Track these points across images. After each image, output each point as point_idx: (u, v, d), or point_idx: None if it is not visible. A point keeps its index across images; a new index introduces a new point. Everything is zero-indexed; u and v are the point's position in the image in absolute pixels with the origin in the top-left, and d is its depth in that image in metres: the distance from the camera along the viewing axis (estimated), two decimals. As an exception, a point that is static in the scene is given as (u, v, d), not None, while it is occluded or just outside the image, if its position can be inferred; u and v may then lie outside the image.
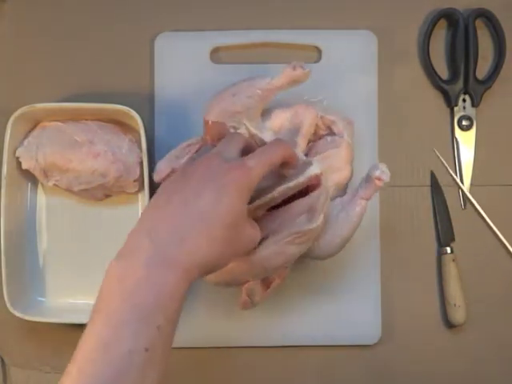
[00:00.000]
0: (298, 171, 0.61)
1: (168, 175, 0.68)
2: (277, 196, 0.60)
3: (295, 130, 0.67)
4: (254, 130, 0.65)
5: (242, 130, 0.66)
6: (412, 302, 0.75)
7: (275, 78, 0.65)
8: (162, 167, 0.68)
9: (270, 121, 0.68)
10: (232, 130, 0.66)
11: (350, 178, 0.69)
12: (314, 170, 0.61)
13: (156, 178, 0.69)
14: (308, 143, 0.69)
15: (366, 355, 0.74)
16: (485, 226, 0.75)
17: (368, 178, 0.64)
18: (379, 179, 0.63)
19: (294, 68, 0.65)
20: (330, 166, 0.67)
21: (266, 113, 0.68)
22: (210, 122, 0.67)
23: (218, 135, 0.66)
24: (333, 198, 0.67)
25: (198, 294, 0.72)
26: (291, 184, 0.60)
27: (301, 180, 0.60)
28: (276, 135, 0.67)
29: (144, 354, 0.48)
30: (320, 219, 0.62)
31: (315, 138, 0.70)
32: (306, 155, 0.67)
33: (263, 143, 0.63)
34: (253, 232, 0.57)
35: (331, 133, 0.69)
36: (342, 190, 0.69)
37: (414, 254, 0.75)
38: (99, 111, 0.72)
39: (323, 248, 0.65)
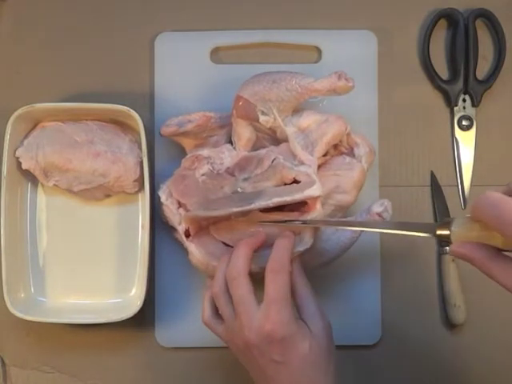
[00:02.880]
0: (299, 186, 0.63)
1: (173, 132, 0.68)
2: (272, 205, 0.62)
3: (318, 136, 0.67)
4: (280, 122, 0.66)
5: (269, 118, 0.66)
6: (412, 302, 0.75)
7: (318, 81, 0.65)
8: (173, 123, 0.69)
9: (300, 119, 0.67)
10: (260, 115, 0.66)
11: (352, 204, 0.68)
12: (313, 192, 0.63)
13: (162, 129, 0.69)
14: (325, 155, 0.68)
15: (366, 355, 0.74)
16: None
17: (369, 211, 0.64)
18: (380, 215, 0.64)
19: (339, 77, 0.64)
20: (337, 186, 0.67)
21: (297, 110, 0.68)
22: (242, 99, 0.66)
23: (245, 115, 0.66)
24: (330, 217, 0.67)
25: (198, 293, 0.72)
26: (288, 198, 0.62)
27: (298, 197, 0.62)
28: (299, 133, 0.67)
29: None
30: (310, 242, 0.64)
31: (335, 153, 0.69)
32: (319, 166, 0.67)
33: (285, 136, 0.66)
34: None
35: (351, 154, 0.69)
36: (341, 212, 0.69)
37: (414, 254, 0.75)
38: (99, 111, 0.72)
39: (308, 261, 0.66)
